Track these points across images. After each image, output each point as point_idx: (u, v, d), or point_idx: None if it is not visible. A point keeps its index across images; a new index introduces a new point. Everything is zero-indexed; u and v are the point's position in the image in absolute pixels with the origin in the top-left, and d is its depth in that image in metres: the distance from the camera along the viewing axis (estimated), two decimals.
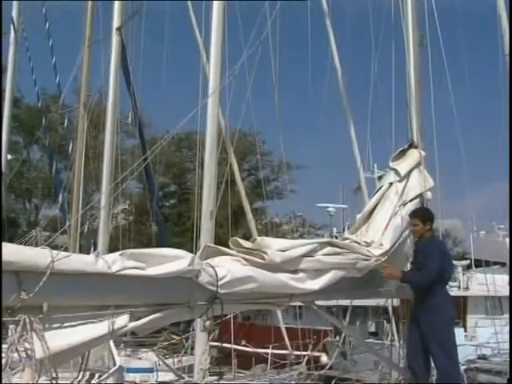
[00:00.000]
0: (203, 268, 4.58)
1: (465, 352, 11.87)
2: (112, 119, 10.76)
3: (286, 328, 12.68)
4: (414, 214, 6.43)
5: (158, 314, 4.35)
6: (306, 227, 30.85)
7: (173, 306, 4.48)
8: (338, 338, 15.05)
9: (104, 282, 4.05)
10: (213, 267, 4.67)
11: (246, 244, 5.14)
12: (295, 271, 5.21)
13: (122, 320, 4.09)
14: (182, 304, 4.54)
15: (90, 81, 15.04)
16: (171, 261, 4.34)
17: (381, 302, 9.32)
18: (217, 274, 4.63)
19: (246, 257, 5.00)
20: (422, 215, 6.40)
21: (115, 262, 4.08)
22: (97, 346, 4.64)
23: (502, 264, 22.39)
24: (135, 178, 21.73)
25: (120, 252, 4.26)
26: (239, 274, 4.79)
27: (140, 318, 4.28)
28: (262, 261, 4.97)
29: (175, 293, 4.50)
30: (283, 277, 5.05)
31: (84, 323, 3.95)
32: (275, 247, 5.13)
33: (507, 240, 24.52)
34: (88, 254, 4.43)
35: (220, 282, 4.63)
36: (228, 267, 4.78)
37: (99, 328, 3.99)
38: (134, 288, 4.21)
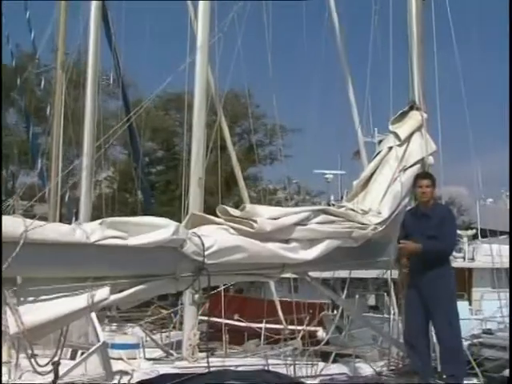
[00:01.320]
0: (188, 237, 4.59)
1: (469, 326, 12.00)
2: (93, 79, 10.67)
3: (281, 301, 12.80)
4: (426, 175, 6.49)
5: (140, 286, 4.37)
6: (302, 195, 30.96)
7: (157, 277, 4.50)
8: (335, 311, 15.24)
9: (82, 253, 4.07)
10: (199, 236, 4.69)
11: (235, 212, 5.15)
12: (287, 241, 5.24)
13: (102, 293, 4.12)
14: (167, 275, 4.57)
15: (68, 38, 14.87)
16: (154, 230, 4.36)
17: (381, 273, 9.39)
18: (203, 244, 4.65)
19: (235, 225, 5.01)
20: (434, 178, 6.46)
21: (94, 232, 4.09)
22: (75, 320, 4.68)
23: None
24: (119, 143, 21.70)
25: (99, 220, 4.27)
26: (227, 243, 4.81)
27: (122, 291, 4.31)
28: (251, 230, 4.99)
29: (159, 264, 4.53)
30: (274, 246, 5.08)
31: (61, 296, 3.98)
32: (265, 215, 5.15)
33: None
34: (69, 224, 4.43)
35: (207, 252, 4.65)
36: (215, 236, 4.79)
37: (77, 301, 4.02)
38: (115, 259, 4.23)
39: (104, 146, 8.53)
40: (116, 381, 6.96)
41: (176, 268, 4.61)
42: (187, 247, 4.56)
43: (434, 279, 5.95)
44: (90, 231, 4.07)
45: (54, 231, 3.94)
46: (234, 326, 16.96)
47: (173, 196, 23.79)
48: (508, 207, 29.24)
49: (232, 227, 5.02)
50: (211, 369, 5.97)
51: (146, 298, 5.06)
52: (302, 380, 6.11)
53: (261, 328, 13.67)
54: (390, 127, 7.23)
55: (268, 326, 13.49)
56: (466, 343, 8.80)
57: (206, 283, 4.75)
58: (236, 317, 18.42)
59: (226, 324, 13.20)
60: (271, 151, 31.02)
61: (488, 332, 12.88)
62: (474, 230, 24.05)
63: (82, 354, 7.37)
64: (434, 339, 6.35)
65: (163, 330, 12.88)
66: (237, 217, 5.12)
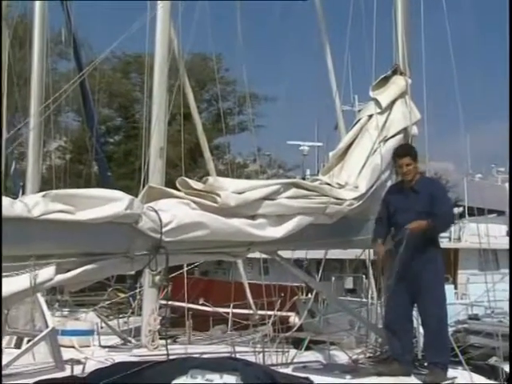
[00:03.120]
0: (144, 212, 4.57)
1: (455, 312, 12.18)
2: (40, 34, 10.46)
3: (250, 284, 12.85)
4: (404, 152, 6.36)
5: (90, 266, 4.35)
6: (275, 168, 30.99)
7: (108, 256, 4.48)
8: (310, 295, 15.35)
9: (23, 228, 4.01)
10: (156, 211, 4.67)
11: (196, 185, 5.12)
12: (253, 216, 5.24)
13: (46, 272, 4.08)
14: (120, 254, 4.54)
15: None
16: (105, 203, 4.32)
17: (359, 254, 9.46)
18: (160, 220, 4.63)
19: (196, 200, 4.99)
20: (414, 152, 6.39)
21: (37, 205, 4.03)
22: (16, 303, 4.64)
23: (499, 212, 22.89)
24: (72, 109, 21.40)
25: (43, 193, 4.20)
26: (187, 219, 4.79)
27: (69, 271, 4.27)
28: (214, 204, 4.98)
29: (111, 241, 4.50)
30: (239, 223, 5.07)
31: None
32: (230, 189, 5.13)
33: (507, 185, 25.02)
34: (15, 198, 4.35)
35: (164, 229, 4.64)
36: (174, 212, 4.78)
37: (19, 282, 3.98)
38: (61, 235, 4.19)
39: (52, 107, 8.37)
40: (67, 370, 6.93)
41: (130, 246, 4.58)
42: (143, 223, 4.54)
43: (423, 261, 6.00)
44: (33, 204, 4.01)
45: None
46: (199, 310, 17.00)
47: (132, 169, 23.61)
48: (498, 184, 29.71)
49: (193, 201, 5.00)
50: (173, 356, 5.97)
51: (96, 278, 5.01)
52: (273, 368, 6.13)
53: (228, 313, 13.72)
54: (371, 93, 7.21)
55: (236, 310, 13.54)
56: (450, 329, 8.93)
57: (163, 263, 4.73)
58: (201, 301, 18.47)
59: (190, 308, 13.21)
60: (242, 120, 30.88)
61: (474, 318, 13.10)
62: (461, 208, 24.32)
63: (29, 341, 7.30)
64: (415, 324, 6.44)
65: (120, 316, 12.84)
66: (199, 190, 5.09)
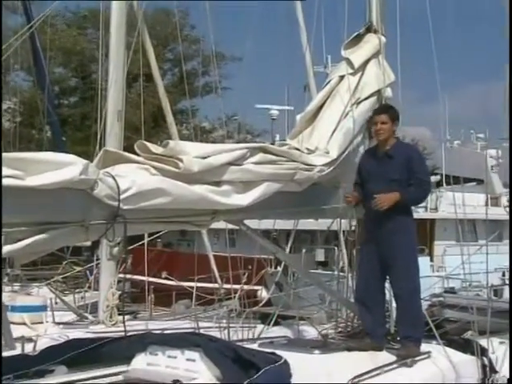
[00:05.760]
0: (100, 178, 4.53)
1: (430, 284, 12.39)
2: None
3: (215, 256, 12.89)
4: (381, 110, 6.46)
5: (41, 236, 4.30)
6: (243, 133, 30.91)
7: (62, 225, 4.44)
8: (279, 268, 15.46)
9: None
10: (113, 177, 4.63)
11: (156, 149, 5.09)
12: (218, 183, 5.24)
13: None
14: (74, 223, 4.51)
15: None
16: (58, 168, 4.27)
17: (331, 224, 9.53)
18: (118, 186, 4.60)
19: (156, 165, 4.97)
20: (392, 112, 6.38)
21: None
22: None
23: (479, 181, 23.20)
24: (23, 67, 21.02)
25: None
26: (147, 185, 4.77)
27: (18, 241, 4.23)
28: (175, 170, 4.96)
29: (64, 209, 4.46)
30: (202, 190, 5.07)
31: None
32: (193, 153, 5.11)
33: (486, 153, 25.33)
34: None
35: (122, 196, 4.61)
36: (133, 177, 4.75)
37: None
38: (9, 202, 4.11)
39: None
40: (18, 349, 6.93)
41: (85, 214, 4.55)
42: (99, 189, 4.50)
43: (394, 230, 6.04)
44: None
45: None
46: (161, 284, 17.07)
47: (89, 133, 23.44)
48: (477, 151, 30.07)
49: (153, 167, 4.97)
50: (132, 333, 5.99)
51: (49, 249, 4.99)
52: (238, 343, 6.19)
53: (192, 287, 13.78)
54: (343, 52, 7.21)
55: (200, 284, 13.60)
56: (425, 303, 9.08)
57: (121, 232, 4.72)
58: (164, 274, 18.53)
59: (152, 282, 13.26)
60: (207, 82, 30.65)
61: (451, 291, 13.35)
62: (438, 177, 24.58)
63: None
64: (388, 297, 6.53)
65: (76, 290, 12.84)
66: (159, 154, 5.06)
